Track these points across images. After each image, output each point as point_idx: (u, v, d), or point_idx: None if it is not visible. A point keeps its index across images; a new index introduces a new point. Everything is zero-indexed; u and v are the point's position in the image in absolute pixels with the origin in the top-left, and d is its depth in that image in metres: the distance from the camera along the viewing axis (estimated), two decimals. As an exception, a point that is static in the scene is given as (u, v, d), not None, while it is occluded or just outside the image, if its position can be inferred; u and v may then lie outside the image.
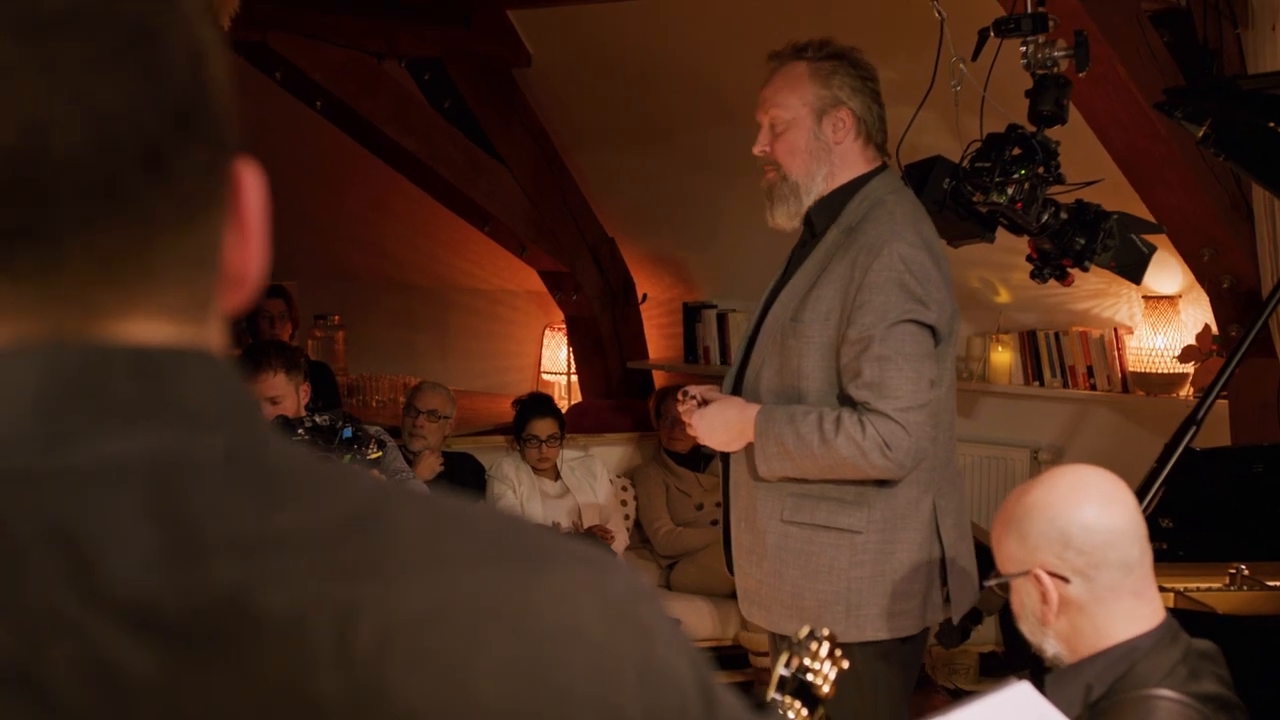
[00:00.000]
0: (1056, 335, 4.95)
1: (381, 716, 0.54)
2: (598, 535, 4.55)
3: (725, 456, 2.75)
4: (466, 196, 5.37)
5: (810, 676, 1.73)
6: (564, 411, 5.12)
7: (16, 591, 0.52)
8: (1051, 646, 1.87)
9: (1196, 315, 4.58)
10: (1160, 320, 4.68)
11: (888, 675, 2.60)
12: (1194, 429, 2.92)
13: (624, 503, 4.98)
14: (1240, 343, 2.99)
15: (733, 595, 3.03)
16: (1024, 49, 2.76)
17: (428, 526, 0.60)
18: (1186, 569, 2.87)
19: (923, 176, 2.85)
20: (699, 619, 4.50)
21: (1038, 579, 1.83)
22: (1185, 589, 2.78)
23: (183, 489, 0.55)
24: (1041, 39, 2.75)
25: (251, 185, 0.63)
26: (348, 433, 2.99)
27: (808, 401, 2.56)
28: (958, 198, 2.83)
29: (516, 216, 5.52)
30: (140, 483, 0.55)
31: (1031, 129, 2.76)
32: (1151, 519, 2.55)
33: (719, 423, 2.63)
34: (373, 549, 0.57)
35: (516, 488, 4.66)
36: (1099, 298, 4.83)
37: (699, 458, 4.88)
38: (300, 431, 2.94)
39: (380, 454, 3.15)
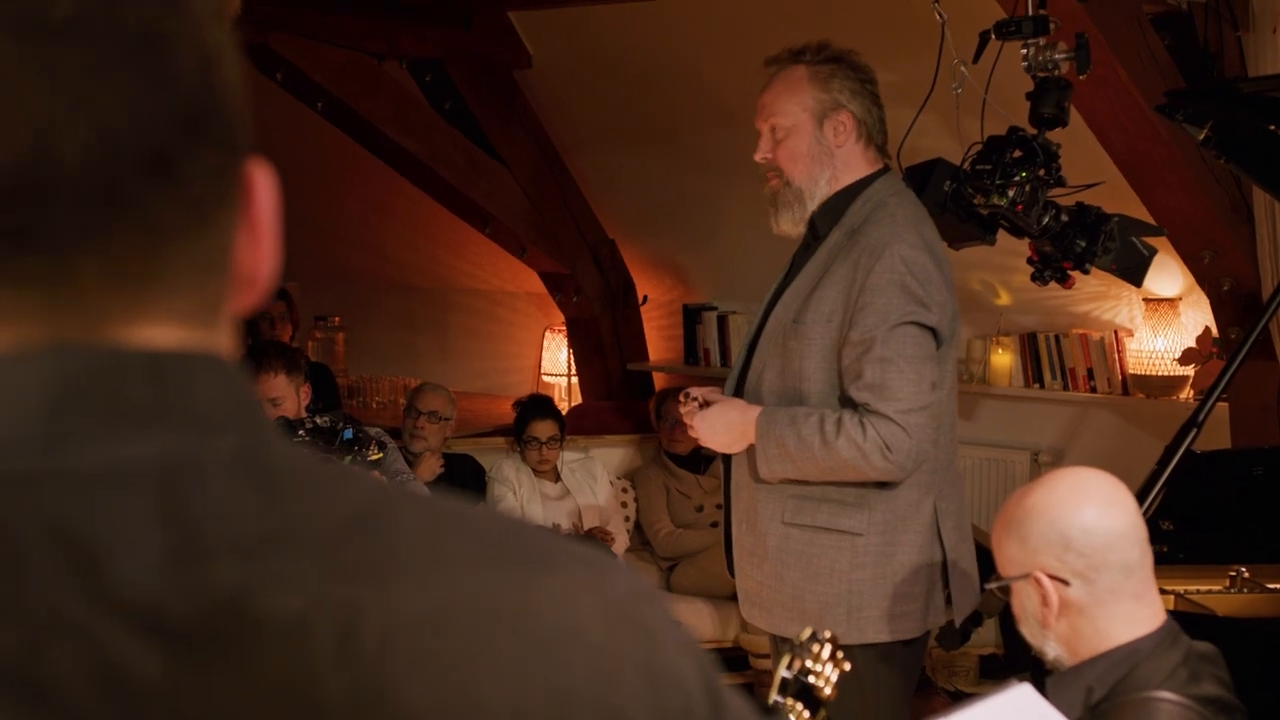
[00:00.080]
0: (1057, 337, 4.95)
1: (383, 717, 0.54)
2: (598, 537, 4.55)
3: (726, 458, 2.75)
4: (467, 198, 5.37)
5: (812, 678, 1.73)
6: (564, 413, 5.12)
7: (19, 593, 0.52)
8: (1052, 649, 1.87)
9: (1197, 318, 4.58)
10: (1160, 323, 4.68)
11: (889, 677, 2.60)
12: (1194, 431, 2.92)
13: (624, 504, 4.98)
14: (1240, 345, 2.99)
15: (732, 597, 3.03)
16: (1025, 51, 2.76)
17: (429, 528, 0.60)
18: (1187, 571, 2.88)
19: (923, 179, 2.85)
20: (699, 621, 4.50)
21: (1038, 582, 1.83)
22: (1186, 591, 2.78)
23: (188, 492, 0.55)
24: (1042, 41, 2.75)
25: (263, 186, 0.63)
26: (348, 434, 2.99)
27: (809, 403, 2.56)
28: (958, 200, 2.83)
29: (517, 218, 5.52)
30: (148, 485, 0.55)
31: (1032, 131, 2.76)
32: (1152, 521, 2.55)
33: (720, 424, 2.63)
34: (374, 550, 0.57)
35: (517, 489, 4.66)
36: (1099, 300, 4.83)
37: (699, 459, 4.88)
38: (301, 433, 2.94)
39: (381, 455, 3.15)
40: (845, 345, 2.51)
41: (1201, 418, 2.92)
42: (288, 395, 3.29)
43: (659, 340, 6.19)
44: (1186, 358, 4.54)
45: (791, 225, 2.66)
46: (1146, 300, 4.71)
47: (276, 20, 4.51)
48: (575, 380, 6.38)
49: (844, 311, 2.51)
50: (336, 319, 6.49)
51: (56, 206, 0.54)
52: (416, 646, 0.55)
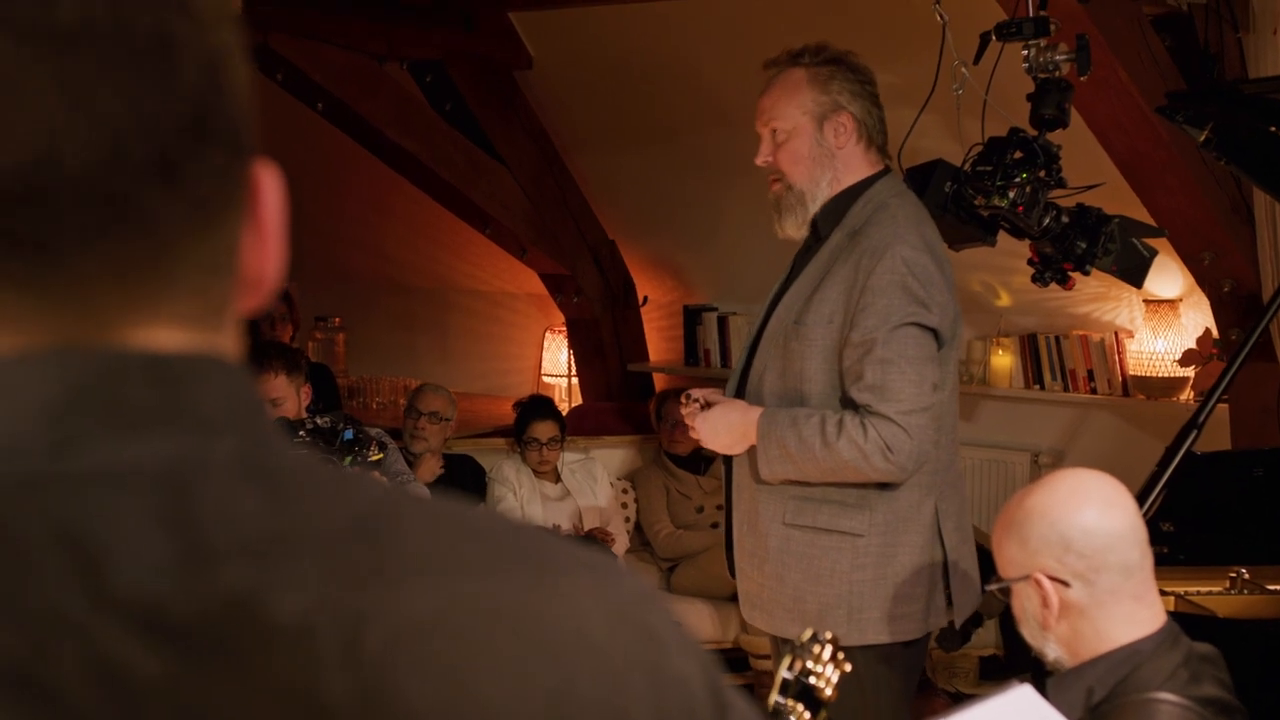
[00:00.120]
0: (1057, 339, 4.95)
1: (387, 719, 0.54)
2: (598, 538, 4.55)
3: (728, 459, 2.75)
4: (467, 198, 5.37)
5: (813, 679, 1.73)
6: (564, 414, 5.12)
7: (21, 594, 0.52)
8: (1052, 650, 1.87)
9: (1197, 319, 4.58)
10: (1161, 324, 4.68)
11: (889, 678, 2.60)
12: (1195, 433, 2.91)
13: (624, 505, 4.97)
14: (1241, 347, 2.99)
15: (732, 598, 3.03)
16: (1025, 53, 2.76)
17: (434, 531, 0.60)
18: (1187, 573, 2.88)
19: (924, 180, 2.85)
20: (699, 622, 4.50)
21: (1038, 583, 1.83)
22: (1186, 593, 2.78)
23: (192, 493, 0.55)
24: (1043, 43, 2.75)
25: (269, 187, 0.63)
26: (349, 434, 2.99)
27: (810, 404, 2.56)
28: (959, 201, 2.83)
29: (517, 218, 5.52)
30: (150, 486, 0.55)
31: (1033, 133, 2.76)
32: (1152, 523, 2.55)
33: (722, 425, 2.63)
34: (380, 554, 0.57)
35: (517, 490, 4.66)
36: (1099, 301, 4.83)
37: (699, 460, 4.88)
38: (301, 433, 2.94)
39: (381, 456, 3.15)
40: (846, 346, 2.51)
41: (1202, 419, 2.92)
42: (288, 396, 3.29)
43: (659, 341, 6.19)
44: (1187, 359, 4.54)
45: (795, 228, 2.66)
46: (1147, 302, 4.71)
47: (277, 21, 4.51)
48: (575, 381, 6.38)
49: (845, 313, 2.51)
50: (337, 319, 6.49)
51: (62, 210, 0.54)
52: (421, 649, 0.55)
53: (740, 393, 2.70)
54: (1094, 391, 4.87)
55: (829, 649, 1.76)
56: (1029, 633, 1.89)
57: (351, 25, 4.81)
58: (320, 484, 0.59)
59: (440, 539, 0.59)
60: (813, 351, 2.55)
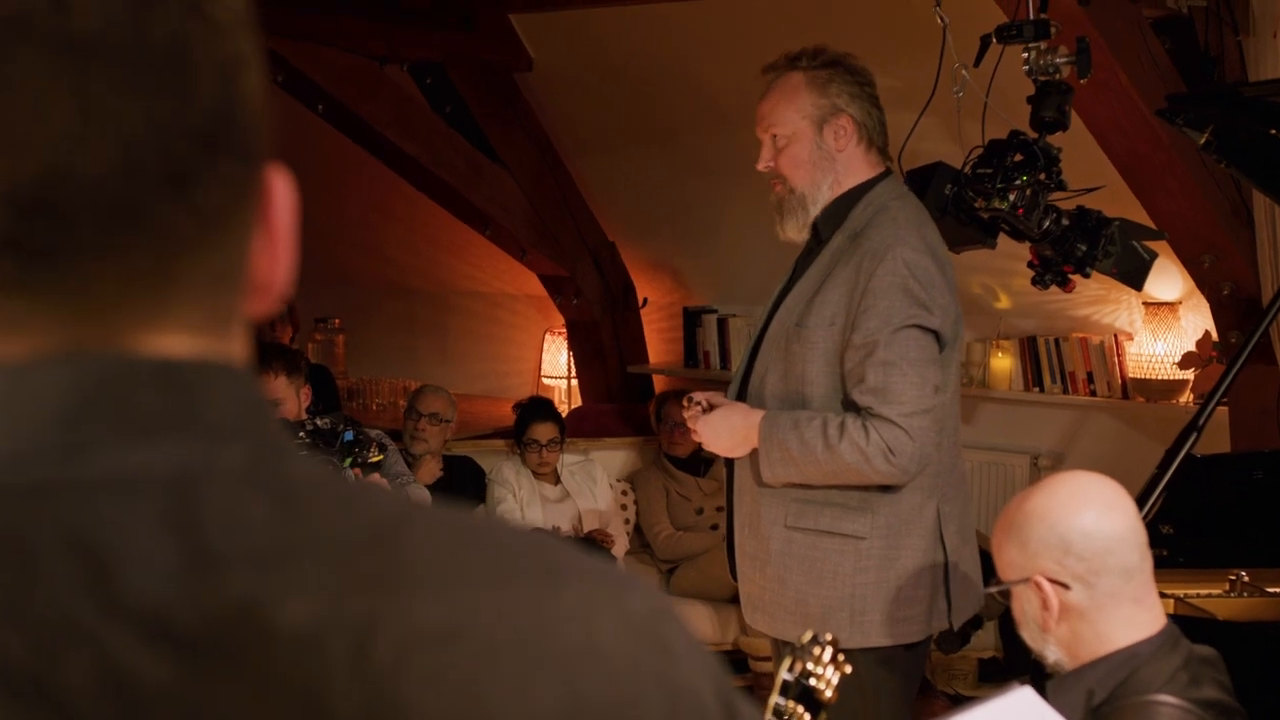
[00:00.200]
0: (1057, 341, 4.95)
1: None
2: (597, 540, 4.55)
3: (729, 462, 2.75)
4: (467, 200, 5.37)
5: (813, 681, 1.74)
6: (564, 415, 5.12)
7: (31, 601, 0.52)
8: (1052, 653, 1.87)
9: (1197, 322, 4.59)
10: (1160, 326, 4.68)
11: (890, 681, 2.60)
12: (1194, 435, 2.92)
13: (624, 507, 4.97)
14: (1240, 349, 2.99)
15: (732, 600, 3.03)
16: (1026, 55, 2.76)
17: (446, 542, 0.59)
18: (1187, 575, 2.88)
19: (924, 182, 2.86)
20: (699, 624, 4.50)
21: (1038, 586, 1.83)
22: (1186, 595, 2.78)
23: (201, 500, 0.55)
24: (1043, 45, 2.75)
25: (281, 193, 0.63)
26: (349, 436, 3.00)
27: (812, 407, 2.56)
28: (959, 204, 2.83)
29: (517, 220, 5.52)
30: (160, 493, 0.55)
31: (1033, 135, 2.76)
32: (1152, 525, 2.55)
33: (724, 428, 2.63)
34: (390, 563, 0.57)
35: (516, 492, 4.66)
36: (1099, 304, 4.83)
37: (699, 462, 4.89)
38: (301, 435, 2.94)
39: (381, 457, 3.16)
40: (848, 349, 2.51)
41: (1201, 422, 2.92)
42: (288, 397, 3.30)
43: (659, 343, 6.20)
44: (1186, 362, 4.54)
45: (797, 232, 2.66)
46: (1146, 304, 4.71)
47: (277, 23, 4.51)
48: (575, 383, 6.38)
49: (846, 315, 2.51)
50: (337, 321, 6.49)
51: (74, 220, 0.54)
52: (431, 659, 0.55)
53: (742, 395, 2.70)
54: (1093, 394, 4.87)
55: (829, 651, 1.77)
56: (1029, 635, 1.89)
57: (352, 27, 4.81)
58: (329, 494, 0.59)
59: (450, 549, 0.59)
60: (814, 354, 2.55)
